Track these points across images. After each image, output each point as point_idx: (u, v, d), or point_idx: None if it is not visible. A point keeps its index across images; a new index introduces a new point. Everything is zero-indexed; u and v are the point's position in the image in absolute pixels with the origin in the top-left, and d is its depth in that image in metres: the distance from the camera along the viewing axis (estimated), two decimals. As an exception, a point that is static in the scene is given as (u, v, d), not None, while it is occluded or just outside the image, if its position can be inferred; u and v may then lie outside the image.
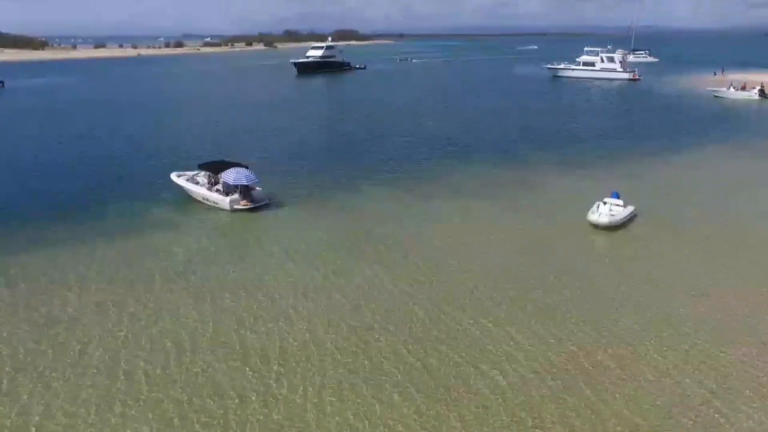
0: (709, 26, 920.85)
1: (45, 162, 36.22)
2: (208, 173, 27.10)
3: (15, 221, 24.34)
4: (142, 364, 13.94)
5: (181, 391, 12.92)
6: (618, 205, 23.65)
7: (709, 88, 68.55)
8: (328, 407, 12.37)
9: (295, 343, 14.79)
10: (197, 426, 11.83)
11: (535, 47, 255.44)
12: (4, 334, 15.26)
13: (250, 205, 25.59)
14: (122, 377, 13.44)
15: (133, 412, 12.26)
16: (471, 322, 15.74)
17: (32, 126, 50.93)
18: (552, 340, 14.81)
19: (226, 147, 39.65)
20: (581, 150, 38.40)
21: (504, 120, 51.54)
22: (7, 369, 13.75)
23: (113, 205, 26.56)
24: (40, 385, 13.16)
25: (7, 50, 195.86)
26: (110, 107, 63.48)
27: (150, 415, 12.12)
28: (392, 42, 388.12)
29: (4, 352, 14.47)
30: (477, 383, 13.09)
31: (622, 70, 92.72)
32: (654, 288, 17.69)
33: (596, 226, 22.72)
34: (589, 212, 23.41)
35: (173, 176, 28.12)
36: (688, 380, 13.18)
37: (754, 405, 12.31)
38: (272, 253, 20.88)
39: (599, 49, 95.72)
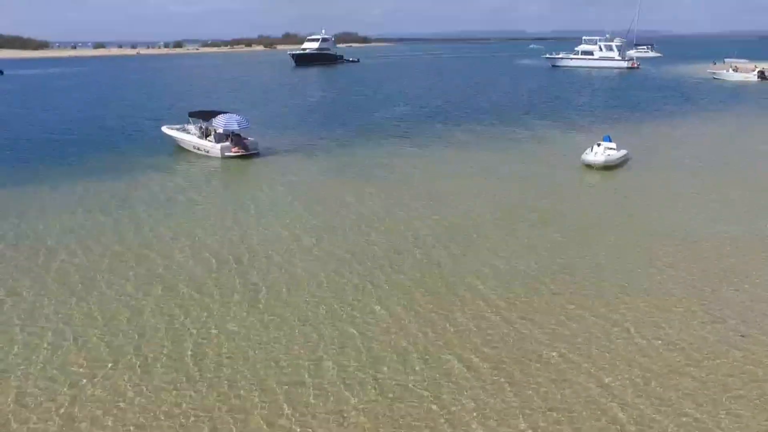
0: (709, 30, 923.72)
1: (46, 123, 36.24)
2: (199, 124, 26.89)
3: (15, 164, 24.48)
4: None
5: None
6: (611, 148, 23.38)
7: (708, 71, 68.48)
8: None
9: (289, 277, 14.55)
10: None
11: (535, 46, 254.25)
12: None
13: (241, 152, 25.34)
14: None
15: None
16: (463, 254, 15.49)
17: (33, 100, 51.06)
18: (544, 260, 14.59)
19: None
20: (574, 114, 38.47)
21: (498, 93, 51.46)
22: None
23: (103, 156, 26.44)
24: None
25: (5, 50, 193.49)
26: (110, 88, 63.46)
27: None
28: (392, 45, 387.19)
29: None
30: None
31: (620, 58, 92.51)
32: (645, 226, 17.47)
33: (591, 167, 22.47)
34: (584, 154, 23.19)
35: (164, 128, 27.92)
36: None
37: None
38: (263, 190, 20.62)
39: (597, 38, 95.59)
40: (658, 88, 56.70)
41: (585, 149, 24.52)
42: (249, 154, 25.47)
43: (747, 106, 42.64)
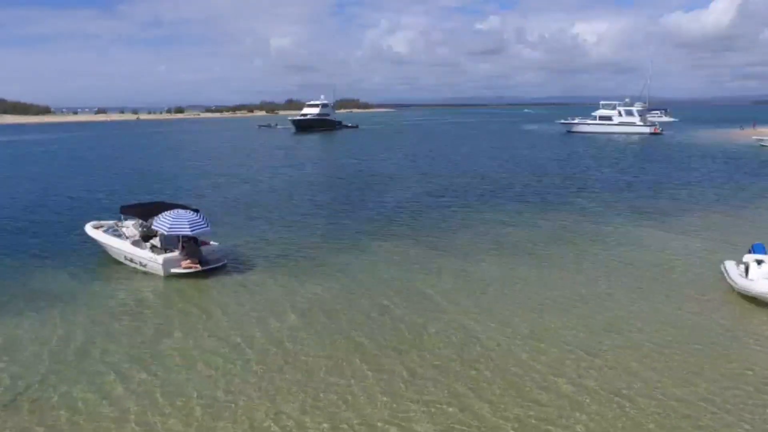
0: (702, 96, 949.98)
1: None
2: (139, 221, 18.49)
3: None
4: None
5: None
6: (772, 264, 14.82)
7: (754, 137, 61.40)
8: None
9: None
10: None
11: (529, 110, 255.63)
12: None
13: (195, 268, 16.74)
14: None
15: None
16: None
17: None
18: None
19: (195, 194, 31.45)
20: (643, 197, 29.99)
21: (523, 164, 43.69)
22: None
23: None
24: None
25: (7, 116, 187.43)
26: (85, 157, 56.02)
27: None
28: (393, 110, 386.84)
29: None
30: None
31: (642, 123, 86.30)
32: None
33: (762, 299, 13.75)
34: (733, 276, 14.57)
35: (88, 228, 19.36)
36: None
37: None
38: (207, 349, 11.93)
39: (616, 102, 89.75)
40: (707, 158, 49.05)
41: (702, 263, 16.34)
42: (207, 269, 16.89)
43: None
